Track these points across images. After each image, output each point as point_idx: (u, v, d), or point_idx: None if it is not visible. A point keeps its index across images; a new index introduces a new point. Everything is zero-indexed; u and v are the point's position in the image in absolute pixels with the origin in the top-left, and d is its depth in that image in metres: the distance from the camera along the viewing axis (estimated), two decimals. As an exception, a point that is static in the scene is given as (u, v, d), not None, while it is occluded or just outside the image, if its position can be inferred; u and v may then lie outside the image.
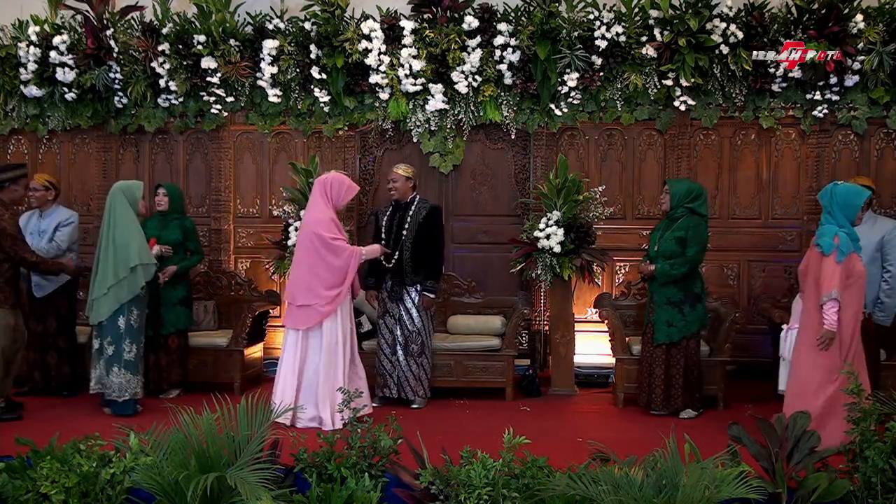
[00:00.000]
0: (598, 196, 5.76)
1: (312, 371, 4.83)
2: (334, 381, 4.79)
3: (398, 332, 5.28)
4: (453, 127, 6.16)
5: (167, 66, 6.16)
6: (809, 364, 4.23)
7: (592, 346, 6.18)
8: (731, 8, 5.72)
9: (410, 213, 5.30)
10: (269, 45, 6.03)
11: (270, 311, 6.33)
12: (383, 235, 5.35)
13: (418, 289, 5.27)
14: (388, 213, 5.41)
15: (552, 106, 6.02)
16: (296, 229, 5.70)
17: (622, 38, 5.77)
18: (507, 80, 5.96)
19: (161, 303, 5.50)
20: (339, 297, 4.83)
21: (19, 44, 6.40)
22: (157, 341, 5.52)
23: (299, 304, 4.82)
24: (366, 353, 5.48)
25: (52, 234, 5.52)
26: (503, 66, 5.91)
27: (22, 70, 6.40)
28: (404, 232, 5.26)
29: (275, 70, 6.08)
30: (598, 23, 5.78)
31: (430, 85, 5.98)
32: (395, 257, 5.28)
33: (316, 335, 4.84)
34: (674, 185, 5.13)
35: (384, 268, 5.32)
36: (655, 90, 5.89)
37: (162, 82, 6.24)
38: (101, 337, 5.01)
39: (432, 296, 5.30)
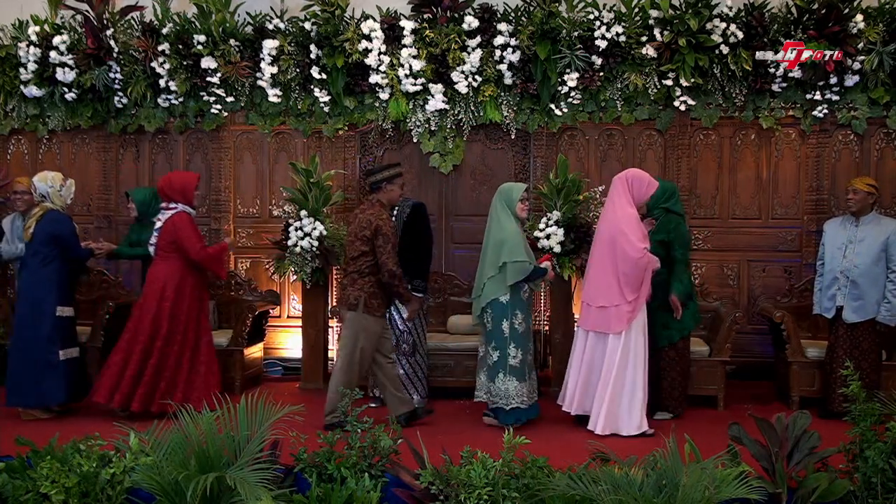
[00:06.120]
0: (598, 196, 5.76)
1: (604, 376, 4.65)
2: (635, 387, 4.62)
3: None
4: (453, 127, 6.16)
5: (167, 66, 6.16)
6: None
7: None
8: (731, 8, 5.72)
9: (394, 213, 5.26)
10: (269, 45, 6.03)
11: (270, 310, 6.34)
12: None
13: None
14: None
15: (552, 106, 6.02)
16: (296, 229, 5.68)
17: (622, 38, 5.76)
18: (507, 80, 5.96)
19: None
20: (640, 301, 4.64)
21: (19, 44, 6.41)
22: None
23: (599, 306, 4.66)
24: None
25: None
26: (503, 66, 5.91)
27: (22, 70, 6.40)
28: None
29: (275, 70, 6.08)
30: (598, 23, 5.78)
31: (430, 85, 5.98)
32: None
33: (614, 339, 4.64)
34: None
35: None
36: (655, 90, 5.89)
37: (162, 82, 6.25)
38: (486, 343, 4.84)
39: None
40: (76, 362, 5.10)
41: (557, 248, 5.46)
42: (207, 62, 6.09)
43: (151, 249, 5.07)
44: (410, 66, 5.93)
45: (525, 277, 4.72)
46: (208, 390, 4.76)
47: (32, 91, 6.43)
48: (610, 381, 4.60)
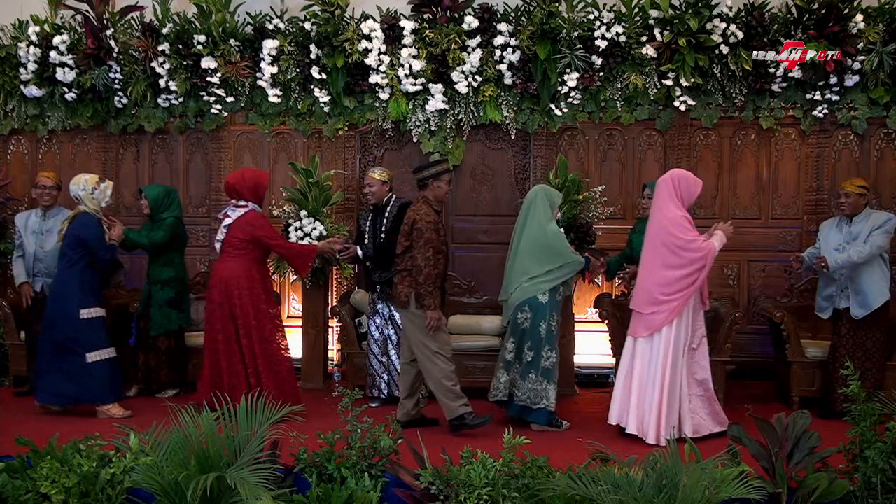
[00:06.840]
0: (598, 196, 5.76)
1: (645, 379, 4.56)
2: (663, 393, 4.49)
3: (389, 332, 5.28)
4: (453, 127, 6.16)
5: (167, 66, 6.16)
6: None
7: (592, 346, 6.17)
8: (731, 8, 5.72)
9: (386, 213, 5.31)
10: (269, 45, 6.03)
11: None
12: (366, 239, 5.37)
13: None
14: (368, 218, 5.43)
15: (552, 106, 6.02)
16: (296, 229, 5.68)
17: (622, 38, 5.76)
18: (507, 80, 5.96)
19: (150, 304, 5.49)
20: (681, 302, 4.49)
21: (19, 44, 6.40)
22: (147, 342, 5.52)
23: (649, 313, 4.53)
24: (365, 352, 5.49)
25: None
26: (503, 66, 5.91)
27: (22, 70, 6.40)
28: (382, 234, 5.26)
29: (275, 70, 6.08)
30: (598, 23, 5.77)
31: (430, 85, 5.98)
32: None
33: (654, 341, 4.54)
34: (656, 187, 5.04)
35: (371, 269, 5.34)
36: (655, 90, 5.88)
37: (162, 82, 6.24)
38: (520, 342, 4.78)
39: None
40: (110, 363, 5.02)
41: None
42: (207, 62, 6.08)
43: (217, 246, 5.00)
44: (410, 66, 5.93)
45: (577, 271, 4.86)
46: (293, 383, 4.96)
47: (32, 91, 6.43)
48: (665, 390, 4.50)
